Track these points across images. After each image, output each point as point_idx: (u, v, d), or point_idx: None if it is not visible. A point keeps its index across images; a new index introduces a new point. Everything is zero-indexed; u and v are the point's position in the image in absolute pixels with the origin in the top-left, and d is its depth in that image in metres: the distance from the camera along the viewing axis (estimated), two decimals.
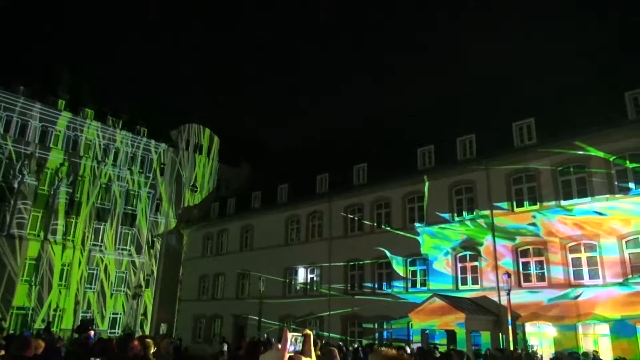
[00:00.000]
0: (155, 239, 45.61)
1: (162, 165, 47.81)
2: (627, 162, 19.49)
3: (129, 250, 44.87)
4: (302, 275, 30.61)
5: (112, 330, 40.75)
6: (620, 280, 18.62)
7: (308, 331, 1.87)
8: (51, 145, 41.68)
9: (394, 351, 2.16)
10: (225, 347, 10.95)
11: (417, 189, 25.97)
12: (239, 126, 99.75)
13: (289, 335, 1.81)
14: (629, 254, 18.88)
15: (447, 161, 25.08)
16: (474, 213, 23.49)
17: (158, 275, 42.88)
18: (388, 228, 26.65)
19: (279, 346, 1.79)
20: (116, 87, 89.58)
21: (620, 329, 18.21)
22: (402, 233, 25.84)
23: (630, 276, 18.51)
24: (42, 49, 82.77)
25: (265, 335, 23.32)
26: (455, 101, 30.23)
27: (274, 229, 33.00)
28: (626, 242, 19.01)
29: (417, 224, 25.50)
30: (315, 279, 29.87)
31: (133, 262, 44.82)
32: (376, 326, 25.62)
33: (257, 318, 27.91)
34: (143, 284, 44.98)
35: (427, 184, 25.32)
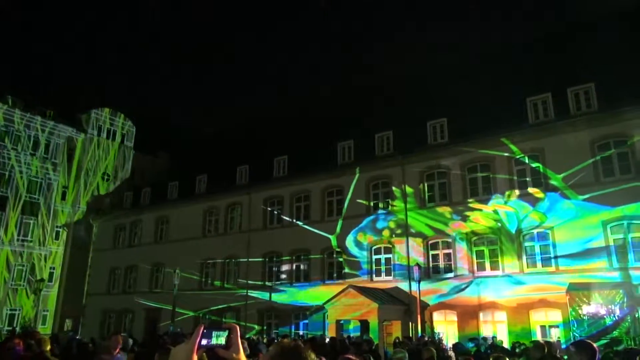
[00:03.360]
0: (61, 229, 42.65)
1: (70, 151, 44.63)
2: (527, 161, 21.19)
3: (31, 242, 41.57)
4: (219, 267, 30.12)
5: (9, 328, 37.63)
6: (517, 271, 20.28)
7: (233, 324, 1.80)
8: None
9: (294, 341, 2.18)
10: (131, 342, 10.49)
11: (337, 182, 26.47)
12: (157, 113, 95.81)
13: (202, 329, 1.73)
14: (526, 246, 20.60)
15: (366, 156, 25.76)
16: (390, 207, 24.38)
17: (63, 268, 40.21)
18: (300, 223, 26.93)
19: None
20: (19, 64, 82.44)
21: (516, 316, 19.86)
22: (317, 231, 26.22)
23: (526, 266, 20.27)
24: None
25: (179, 329, 22.70)
26: (375, 98, 31.01)
27: (191, 220, 32.16)
28: (523, 236, 20.70)
29: (335, 217, 26.01)
30: (232, 270, 29.54)
31: (35, 254, 41.60)
32: (293, 317, 25.89)
33: (170, 311, 27.09)
34: (46, 277, 41.90)
35: (357, 176, 25.72)
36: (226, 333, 1.76)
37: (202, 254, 30.72)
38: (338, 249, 25.54)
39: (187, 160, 40.30)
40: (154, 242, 34.45)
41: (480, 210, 21.74)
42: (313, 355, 1.65)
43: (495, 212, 21.33)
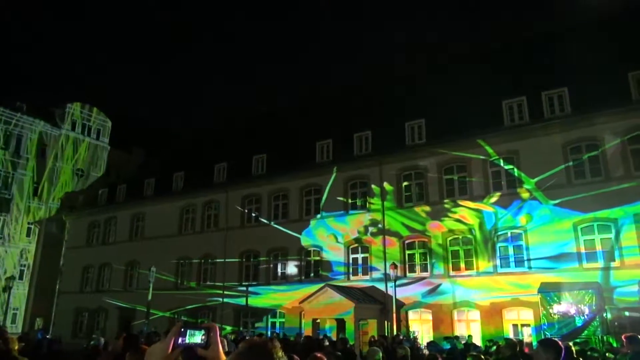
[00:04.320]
0: (32, 226, 41.65)
1: (43, 146, 43.56)
2: (502, 163, 21.56)
3: (1, 238, 40.48)
4: (195, 265, 29.83)
5: None
6: (490, 270, 20.64)
7: (212, 323, 1.78)
8: None
9: (261, 339, 2.19)
10: (102, 342, 10.32)
11: (315, 181, 26.49)
12: (134, 109, 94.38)
13: (179, 328, 1.71)
14: (499, 247, 20.97)
15: (345, 156, 25.84)
16: (367, 207, 24.51)
17: (35, 265, 39.29)
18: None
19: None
20: None
21: (489, 315, 20.20)
22: (289, 231, 26.21)
23: (499, 266, 20.63)
24: None
25: (153, 328, 22.39)
26: (354, 97, 31.10)
27: (168, 218, 31.78)
28: (497, 237, 21.07)
29: (313, 216, 26.04)
30: (209, 269, 29.30)
31: (6, 251, 40.53)
32: (269, 316, 25.83)
33: (145, 311, 26.71)
34: (17, 275, 40.85)
35: (334, 175, 25.78)
36: (202, 332, 1.74)
37: (178, 252, 30.39)
38: (316, 248, 25.56)
39: (164, 157, 39.79)
40: (128, 240, 33.92)
41: (456, 211, 22.03)
42: (281, 353, 1.66)
43: (471, 213, 21.65)
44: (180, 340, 1.71)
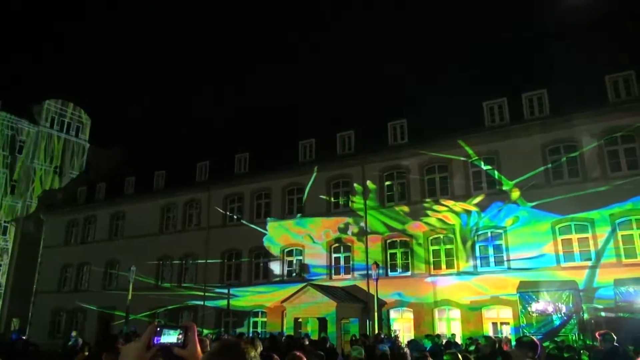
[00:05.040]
0: (9, 224, 40.76)
1: (20, 143, 42.65)
2: (482, 164, 21.81)
3: None
4: (177, 265, 29.54)
5: None
6: (471, 269, 20.87)
7: (190, 322, 1.76)
8: None
9: (234, 338, 2.16)
10: (80, 342, 10.15)
11: (298, 180, 26.46)
12: (115, 107, 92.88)
13: (153, 328, 1.68)
14: (479, 247, 21.22)
15: (327, 155, 25.86)
16: (350, 206, 24.57)
17: (11, 264, 38.46)
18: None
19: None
20: None
21: (469, 313, 20.43)
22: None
23: (479, 266, 20.87)
24: None
25: (133, 328, 22.13)
26: (338, 97, 31.11)
27: (149, 216, 31.40)
28: (478, 237, 21.31)
29: (295, 215, 26.00)
30: (190, 268, 29.05)
31: None
32: (251, 316, 25.73)
33: (124, 311, 26.36)
34: None
35: (314, 175, 25.78)
36: (178, 331, 1.71)
37: (159, 251, 30.07)
38: (298, 247, 25.53)
39: (145, 155, 39.28)
40: (108, 239, 33.45)
41: (437, 210, 22.21)
42: (253, 352, 1.64)
43: (452, 213, 21.85)
44: (156, 339, 1.69)
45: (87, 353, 8.60)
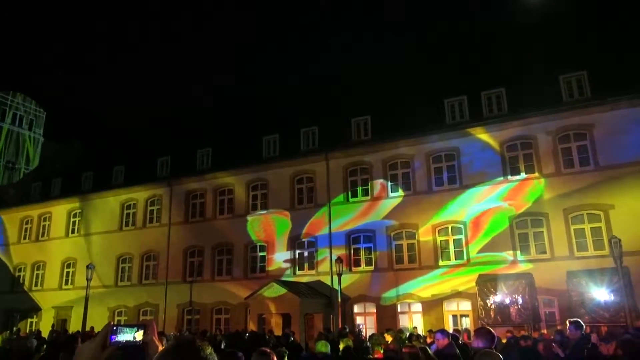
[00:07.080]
0: None
1: None
2: (444, 160, 22.32)
3: None
4: (137, 261, 28.88)
5: None
6: (432, 263, 21.34)
7: (149, 320, 1.73)
8: None
9: (189, 336, 2.15)
10: (35, 343, 9.81)
11: (262, 176, 26.32)
12: (71, 98, 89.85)
13: (109, 327, 1.66)
14: (440, 240, 21.71)
15: (291, 151, 25.81)
16: (314, 201, 24.65)
17: None
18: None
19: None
20: None
21: (430, 307, 20.91)
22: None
23: (440, 260, 21.36)
24: None
25: (91, 327, 21.54)
26: (302, 93, 31.01)
27: (108, 213, 30.56)
28: (439, 230, 21.79)
29: (259, 211, 25.87)
30: (151, 266, 28.47)
31: None
32: (214, 313, 25.48)
33: (82, 310, 25.57)
34: None
35: (278, 170, 25.69)
36: (135, 329, 1.70)
37: (119, 248, 29.34)
38: (262, 243, 25.43)
39: (103, 149, 38.11)
40: (65, 236, 32.36)
41: (400, 205, 22.57)
42: (209, 350, 1.64)
43: (416, 206, 22.23)
44: (112, 338, 1.67)
45: (42, 353, 8.33)
